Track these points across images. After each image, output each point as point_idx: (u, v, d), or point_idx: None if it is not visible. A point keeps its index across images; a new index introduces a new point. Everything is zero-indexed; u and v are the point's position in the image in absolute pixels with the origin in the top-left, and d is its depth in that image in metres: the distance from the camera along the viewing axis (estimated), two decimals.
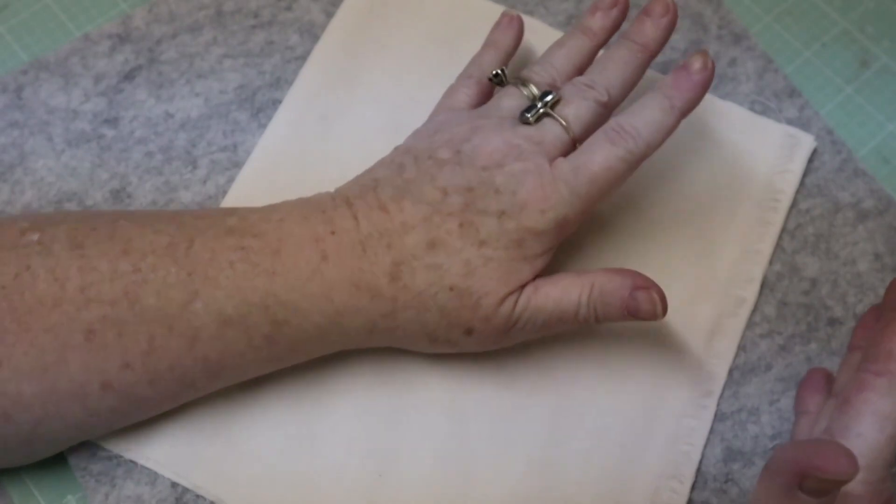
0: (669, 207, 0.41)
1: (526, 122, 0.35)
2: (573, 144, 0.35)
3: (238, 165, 0.41)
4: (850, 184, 0.42)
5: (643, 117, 0.34)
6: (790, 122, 0.43)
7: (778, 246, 0.40)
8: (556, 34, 0.44)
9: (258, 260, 0.32)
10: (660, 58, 0.44)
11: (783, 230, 0.41)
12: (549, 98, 0.35)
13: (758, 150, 0.42)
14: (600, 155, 0.34)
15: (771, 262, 0.40)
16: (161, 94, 0.42)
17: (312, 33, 0.44)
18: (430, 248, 0.33)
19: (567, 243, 0.40)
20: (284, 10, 0.44)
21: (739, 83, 0.44)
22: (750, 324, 0.39)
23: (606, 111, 0.36)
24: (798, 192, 0.41)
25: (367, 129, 0.42)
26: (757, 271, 0.40)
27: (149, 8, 0.44)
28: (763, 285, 0.40)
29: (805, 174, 0.42)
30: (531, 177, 0.33)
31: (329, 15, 0.44)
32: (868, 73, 0.44)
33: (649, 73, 0.43)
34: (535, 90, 0.36)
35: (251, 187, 0.40)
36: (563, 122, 0.35)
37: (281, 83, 0.43)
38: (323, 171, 0.41)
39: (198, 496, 0.35)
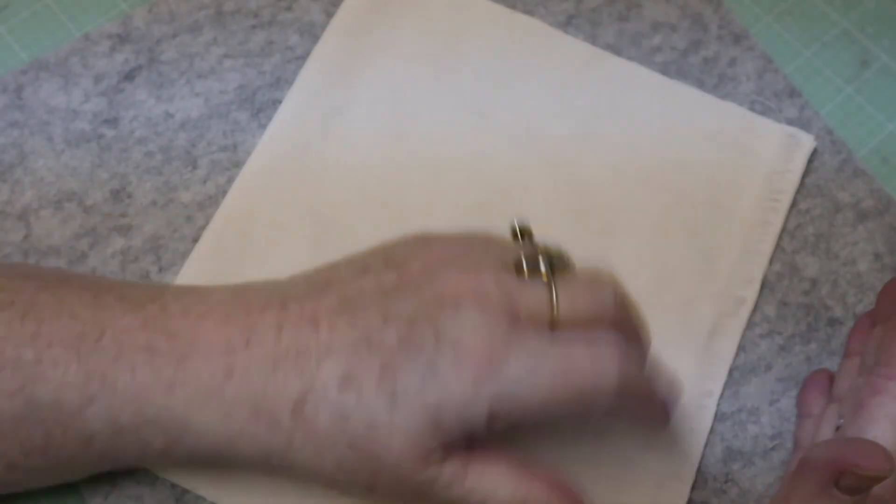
0: (669, 207, 0.41)
1: (517, 269, 0.30)
2: (550, 327, 0.30)
3: (238, 165, 0.41)
4: (850, 184, 0.42)
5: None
6: (790, 122, 0.43)
7: (778, 246, 0.40)
8: (556, 34, 0.44)
9: (161, 366, 0.30)
10: (659, 58, 0.44)
11: (783, 230, 0.41)
12: (557, 260, 0.31)
13: (758, 151, 0.42)
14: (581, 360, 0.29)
15: (771, 262, 0.40)
16: (161, 94, 0.42)
17: (312, 33, 0.44)
18: (343, 385, 0.29)
19: (566, 244, 0.40)
20: (284, 10, 0.44)
21: (739, 83, 0.44)
22: (750, 324, 0.39)
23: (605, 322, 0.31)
24: (798, 192, 0.41)
25: (367, 129, 0.42)
26: (757, 272, 0.40)
27: (149, 8, 0.44)
28: (763, 285, 0.40)
29: (805, 174, 0.42)
30: (483, 334, 0.28)
31: (329, 15, 0.44)
32: (868, 73, 0.44)
33: (646, 73, 0.43)
34: (548, 246, 0.32)
35: (251, 187, 0.40)
36: (554, 294, 0.30)
37: (281, 83, 0.43)
38: (323, 171, 0.41)
39: (198, 497, 0.35)
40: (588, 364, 0.29)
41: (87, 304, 0.31)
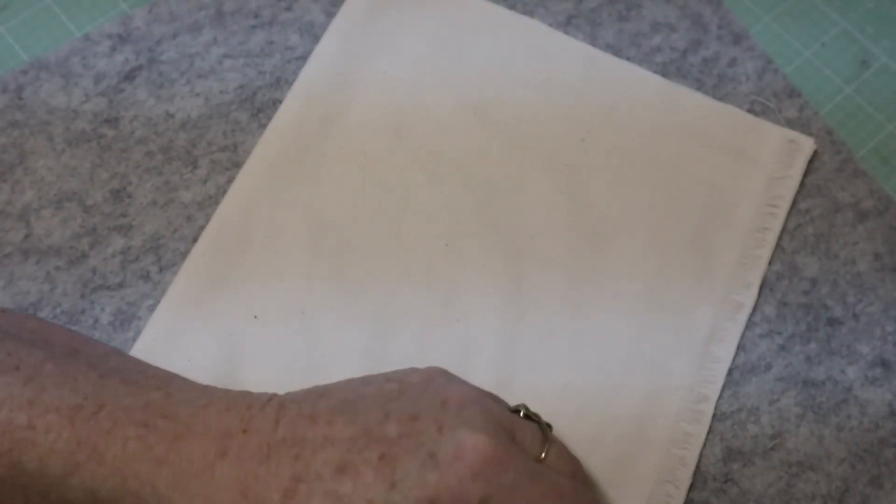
0: (668, 211, 0.41)
1: (514, 410, 0.32)
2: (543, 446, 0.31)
3: (238, 165, 0.41)
4: (850, 184, 0.42)
5: None
6: (790, 122, 0.43)
7: (778, 246, 0.40)
8: (556, 34, 0.44)
9: (154, 442, 0.30)
10: (659, 58, 0.44)
11: (783, 230, 0.41)
12: (546, 426, 0.32)
13: (757, 155, 0.42)
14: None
15: (771, 262, 0.40)
16: (161, 94, 0.42)
17: (312, 33, 0.44)
18: (339, 473, 0.29)
19: (563, 251, 0.40)
20: (284, 10, 0.44)
21: (739, 83, 0.44)
22: (750, 324, 0.39)
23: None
24: (798, 192, 0.41)
25: (366, 128, 0.42)
26: (755, 277, 0.39)
27: (149, 8, 0.44)
28: (763, 285, 0.40)
29: (805, 174, 0.42)
30: (486, 435, 0.29)
31: (329, 15, 0.44)
32: (868, 73, 0.44)
33: (646, 75, 0.43)
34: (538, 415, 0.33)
35: (251, 187, 0.40)
36: (547, 442, 0.32)
37: (281, 83, 0.43)
38: (323, 172, 0.41)
39: None
40: (572, 493, 0.30)
41: (92, 381, 0.31)
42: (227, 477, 0.29)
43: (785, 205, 0.41)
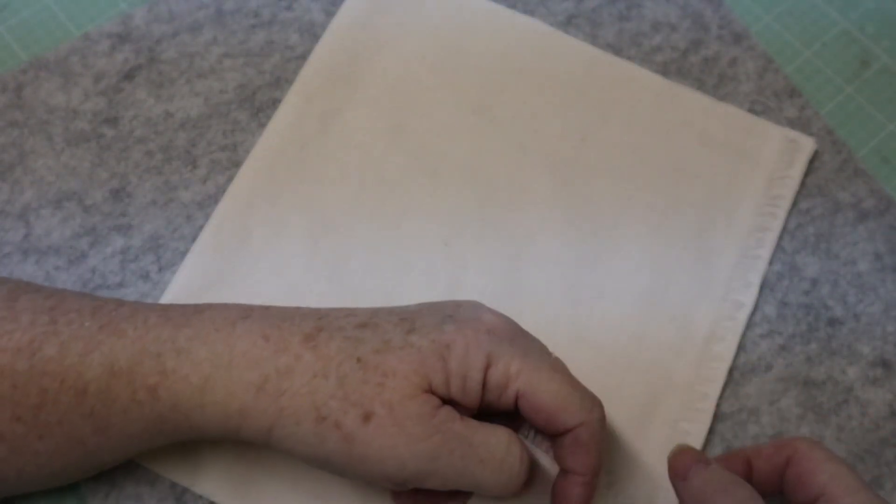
0: (668, 211, 0.41)
1: None
2: None
3: (238, 165, 0.41)
4: (850, 184, 0.42)
5: None
6: (790, 121, 0.43)
7: (778, 246, 0.40)
8: (556, 34, 0.44)
9: (175, 315, 0.31)
10: (659, 57, 0.44)
11: (783, 230, 0.41)
12: None
13: (758, 155, 0.42)
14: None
15: (771, 262, 0.40)
16: (161, 94, 0.42)
17: (312, 33, 0.44)
18: (360, 327, 0.31)
19: (563, 251, 0.40)
20: (284, 10, 0.44)
21: (739, 83, 0.44)
22: (750, 324, 0.39)
23: None
24: (798, 191, 0.41)
25: (367, 129, 0.42)
26: (755, 276, 0.39)
27: (149, 7, 0.44)
28: (763, 285, 0.40)
29: (805, 174, 0.42)
30: (501, 316, 0.32)
31: (329, 15, 0.44)
32: (868, 73, 0.44)
33: (647, 74, 0.43)
34: None
35: (250, 186, 0.40)
36: None
37: (281, 83, 0.43)
38: (323, 171, 0.41)
39: (197, 496, 0.35)
40: (579, 389, 0.32)
41: (108, 298, 0.33)
42: (249, 329, 0.31)
43: (785, 204, 0.41)
